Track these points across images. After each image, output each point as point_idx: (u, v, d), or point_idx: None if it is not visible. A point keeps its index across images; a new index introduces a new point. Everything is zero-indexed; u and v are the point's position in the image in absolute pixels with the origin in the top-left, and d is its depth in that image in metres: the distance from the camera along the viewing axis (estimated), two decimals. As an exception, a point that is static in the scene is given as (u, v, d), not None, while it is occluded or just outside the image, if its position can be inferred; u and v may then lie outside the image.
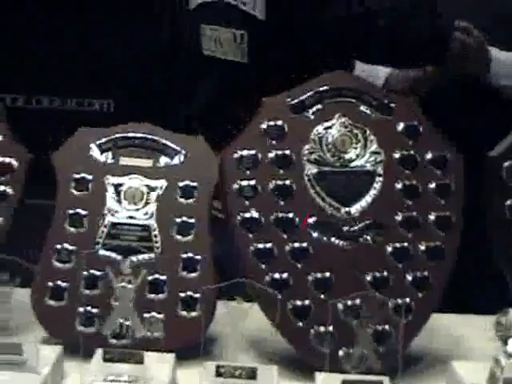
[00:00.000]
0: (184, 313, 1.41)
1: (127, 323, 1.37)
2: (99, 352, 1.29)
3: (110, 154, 1.50)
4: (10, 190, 1.46)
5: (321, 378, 1.30)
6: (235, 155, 1.44)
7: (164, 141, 1.50)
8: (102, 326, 1.38)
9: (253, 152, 1.44)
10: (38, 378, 1.24)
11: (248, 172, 1.44)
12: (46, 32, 3.03)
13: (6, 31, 2.98)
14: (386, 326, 1.37)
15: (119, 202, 1.47)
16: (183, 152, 1.50)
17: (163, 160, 1.50)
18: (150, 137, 1.50)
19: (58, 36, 3.02)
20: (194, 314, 1.41)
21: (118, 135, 1.51)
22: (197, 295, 1.41)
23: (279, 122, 1.46)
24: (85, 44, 3.02)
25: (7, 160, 1.47)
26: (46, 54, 3.00)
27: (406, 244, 1.43)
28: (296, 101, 1.47)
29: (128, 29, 2.95)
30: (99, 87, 3.05)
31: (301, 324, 1.37)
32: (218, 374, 1.23)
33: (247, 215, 1.41)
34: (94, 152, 1.50)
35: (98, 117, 3.10)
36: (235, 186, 1.43)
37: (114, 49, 2.99)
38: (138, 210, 1.46)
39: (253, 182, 1.43)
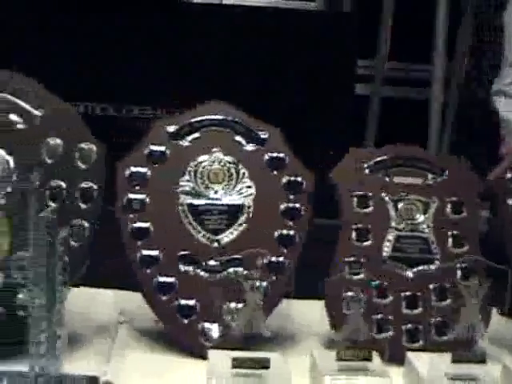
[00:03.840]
0: (467, 319, 1.58)
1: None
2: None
3: (382, 173, 1.64)
4: (302, 208, 1.58)
5: None
6: (508, 176, 1.62)
7: (430, 160, 1.65)
8: (452, 332, 1.50)
9: (521, 171, 1.63)
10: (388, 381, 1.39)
11: (520, 190, 1.63)
12: (149, 44, 3.02)
13: (109, 43, 2.96)
14: None
15: (400, 217, 1.61)
16: (447, 171, 1.65)
17: (430, 178, 1.65)
18: (418, 157, 1.65)
19: (163, 48, 3.02)
20: (475, 319, 1.59)
21: (388, 156, 1.65)
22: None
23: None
24: (190, 56, 3.03)
25: (298, 179, 1.58)
26: (151, 66, 3.00)
27: None
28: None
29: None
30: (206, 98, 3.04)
31: None
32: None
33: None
34: (369, 171, 1.64)
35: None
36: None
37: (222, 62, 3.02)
38: (417, 224, 1.61)
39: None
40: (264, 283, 1.43)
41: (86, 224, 1.46)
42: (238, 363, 1.33)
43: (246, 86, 2.82)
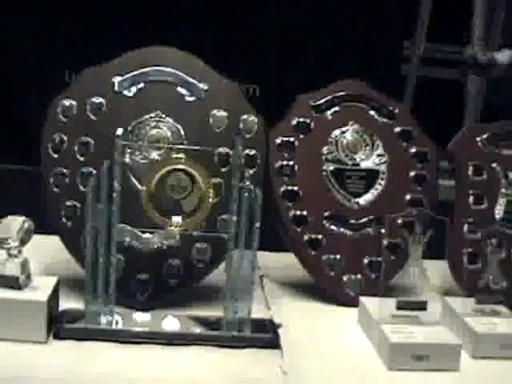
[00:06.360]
0: None
1: None
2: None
3: (493, 145, 1.85)
4: (428, 176, 1.78)
5: None
6: None
7: (534, 134, 1.89)
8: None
9: None
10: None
11: None
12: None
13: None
14: None
15: (509, 184, 1.83)
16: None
17: (532, 151, 1.89)
18: (524, 131, 1.88)
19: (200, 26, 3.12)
20: None
21: (498, 131, 1.85)
22: None
23: None
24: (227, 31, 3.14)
25: (424, 150, 1.79)
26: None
27: None
28: None
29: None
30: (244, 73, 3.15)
31: None
32: None
33: None
34: (481, 144, 1.84)
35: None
36: None
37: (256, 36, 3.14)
38: (523, 191, 1.85)
39: None
40: (426, 237, 1.64)
41: (252, 187, 1.65)
42: (401, 305, 1.54)
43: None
